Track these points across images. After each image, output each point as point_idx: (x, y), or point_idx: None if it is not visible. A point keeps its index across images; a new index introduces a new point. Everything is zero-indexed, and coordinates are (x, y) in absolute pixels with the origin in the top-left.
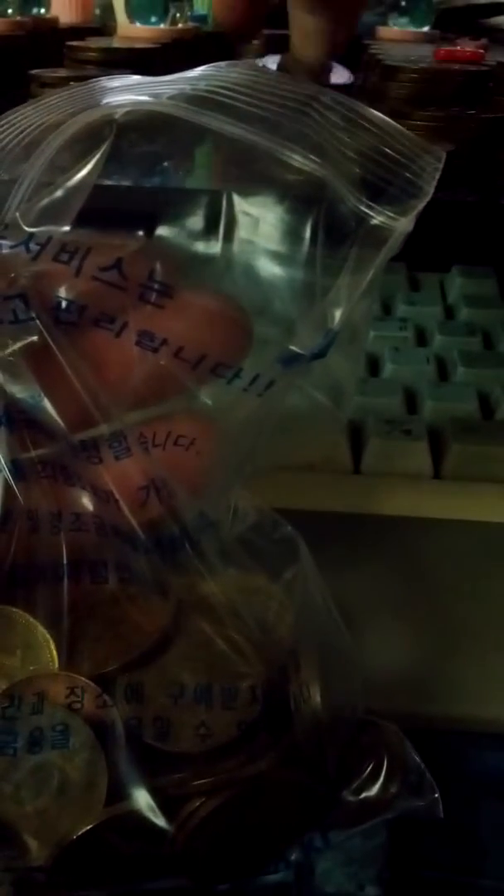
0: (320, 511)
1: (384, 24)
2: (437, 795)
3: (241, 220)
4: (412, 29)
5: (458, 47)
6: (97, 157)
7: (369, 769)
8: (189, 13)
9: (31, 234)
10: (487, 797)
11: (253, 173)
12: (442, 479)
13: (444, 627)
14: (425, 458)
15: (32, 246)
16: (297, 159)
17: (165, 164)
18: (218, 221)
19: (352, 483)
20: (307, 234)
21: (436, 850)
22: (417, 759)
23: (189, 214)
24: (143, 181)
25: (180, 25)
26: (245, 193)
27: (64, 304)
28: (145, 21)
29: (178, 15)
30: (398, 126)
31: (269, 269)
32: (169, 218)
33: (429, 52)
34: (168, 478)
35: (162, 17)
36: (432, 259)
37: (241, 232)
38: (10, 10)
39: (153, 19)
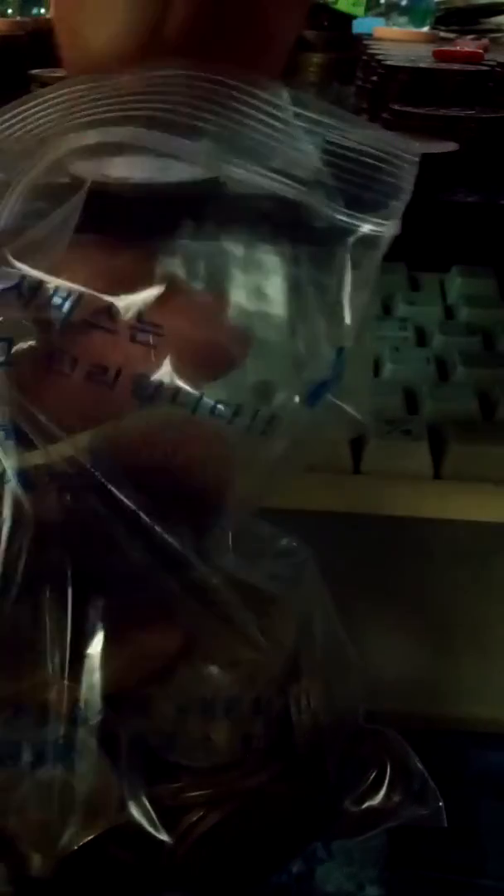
0: (320, 511)
1: (384, 24)
2: (440, 803)
3: (222, 257)
4: (412, 29)
5: (458, 47)
6: (81, 195)
7: (371, 778)
8: None
9: (23, 277)
10: (487, 797)
11: (225, 205)
12: (442, 479)
13: (445, 627)
14: (425, 458)
15: (24, 290)
16: (268, 183)
17: None
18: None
19: (352, 483)
20: (293, 259)
21: (436, 850)
22: (420, 766)
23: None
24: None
25: None
26: (223, 230)
27: (56, 356)
28: None
29: None
30: (368, 124)
31: (256, 304)
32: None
33: (429, 52)
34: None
35: None
36: (432, 259)
37: (224, 267)
38: (10, 10)
39: None
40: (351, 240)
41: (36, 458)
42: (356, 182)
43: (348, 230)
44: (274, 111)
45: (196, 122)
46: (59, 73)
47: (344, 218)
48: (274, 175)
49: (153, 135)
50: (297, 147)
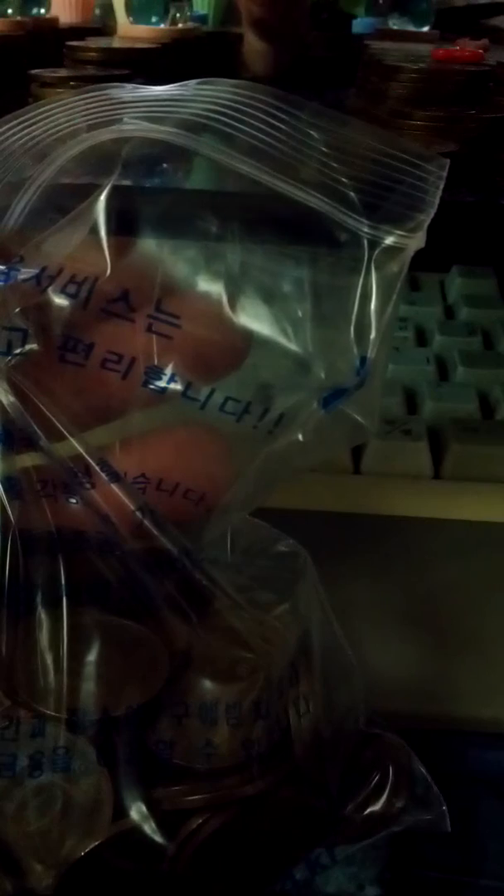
0: (320, 511)
1: (384, 24)
2: (444, 808)
3: (244, 258)
4: (412, 29)
5: (458, 47)
6: (102, 196)
7: (374, 783)
8: (189, 13)
9: (44, 268)
10: (487, 797)
11: (253, 209)
12: (442, 479)
13: (444, 627)
14: (425, 458)
15: (44, 278)
16: (297, 194)
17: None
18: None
19: (352, 483)
20: (313, 265)
21: (436, 850)
22: (423, 771)
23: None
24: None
25: (180, 25)
26: (246, 233)
27: (71, 343)
28: (145, 21)
29: (178, 15)
30: (395, 137)
31: (271, 307)
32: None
33: (429, 52)
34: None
35: (162, 17)
36: (432, 259)
37: (244, 268)
38: (10, 10)
39: (153, 19)
40: (376, 251)
41: (24, 461)
42: (381, 194)
43: (373, 241)
44: (297, 123)
45: (227, 129)
46: (59, 72)
47: (368, 230)
48: (299, 185)
49: (166, 130)
50: (320, 158)
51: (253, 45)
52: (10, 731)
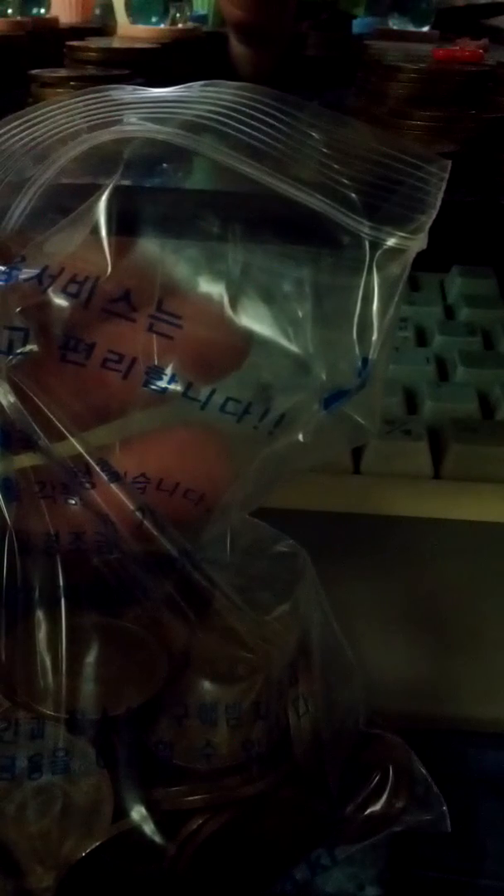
0: (320, 511)
1: (384, 24)
2: (444, 808)
3: (245, 258)
4: (412, 29)
5: (458, 47)
6: (104, 197)
7: (374, 783)
8: (189, 13)
9: (45, 267)
10: (487, 797)
11: (254, 210)
12: (442, 479)
13: (444, 627)
14: (425, 458)
15: (45, 278)
16: (298, 195)
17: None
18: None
19: (352, 483)
20: (314, 266)
21: (436, 850)
22: (424, 771)
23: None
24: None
25: (180, 25)
26: (248, 234)
27: (72, 342)
28: (145, 21)
29: (178, 15)
30: (396, 138)
31: (272, 308)
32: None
33: (429, 52)
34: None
35: (162, 17)
36: (432, 259)
37: (245, 269)
38: (10, 10)
39: (153, 19)
40: (377, 252)
41: (22, 461)
42: (382, 195)
43: (374, 243)
44: (298, 124)
45: (229, 131)
46: (59, 72)
47: (369, 231)
48: (300, 185)
49: (167, 131)
50: (321, 159)
51: (236, 47)
52: (10, 732)
